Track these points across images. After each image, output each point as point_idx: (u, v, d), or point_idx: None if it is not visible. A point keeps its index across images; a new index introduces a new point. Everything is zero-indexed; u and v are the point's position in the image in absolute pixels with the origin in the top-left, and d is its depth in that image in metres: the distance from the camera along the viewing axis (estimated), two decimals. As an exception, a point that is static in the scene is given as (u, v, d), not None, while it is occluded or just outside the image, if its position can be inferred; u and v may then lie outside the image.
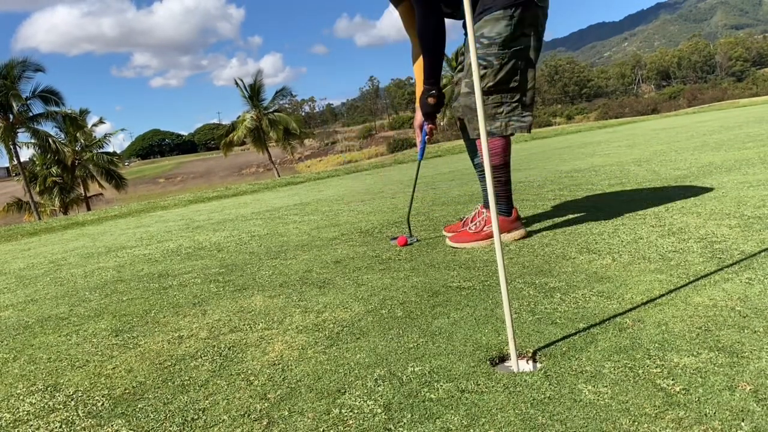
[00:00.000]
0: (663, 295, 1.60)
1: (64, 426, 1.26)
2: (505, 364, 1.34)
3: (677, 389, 1.10)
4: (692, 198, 2.96)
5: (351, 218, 3.89)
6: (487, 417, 1.08)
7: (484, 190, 2.72)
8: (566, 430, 1.01)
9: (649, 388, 1.12)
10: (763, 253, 1.87)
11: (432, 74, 2.47)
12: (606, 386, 1.14)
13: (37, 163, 31.63)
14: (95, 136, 34.35)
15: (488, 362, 1.32)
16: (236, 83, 38.21)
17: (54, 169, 30.98)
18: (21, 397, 1.45)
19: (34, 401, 1.41)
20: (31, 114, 29.18)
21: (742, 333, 1.31)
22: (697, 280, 1.70)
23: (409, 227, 2.91)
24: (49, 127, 30.25)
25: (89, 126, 33.95)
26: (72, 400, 1.39)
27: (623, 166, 4.95)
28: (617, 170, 4.66)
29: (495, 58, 2.36)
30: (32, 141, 29.63)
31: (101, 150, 33.85)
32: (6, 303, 2.60)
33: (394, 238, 2.79)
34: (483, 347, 1.40)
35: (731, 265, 1.80)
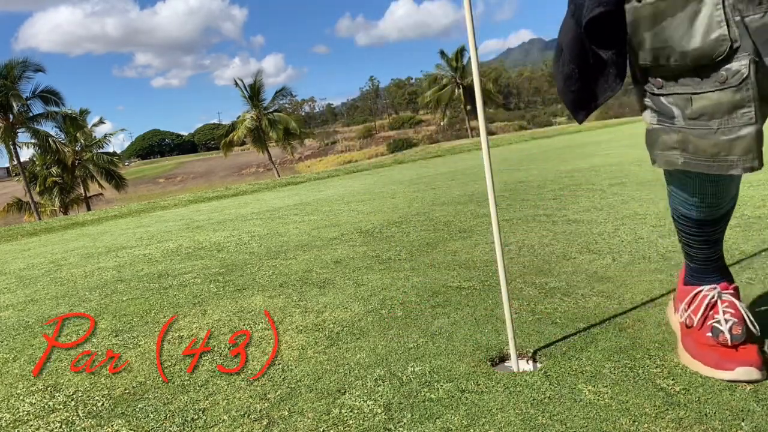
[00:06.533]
0: (663, 295, 1.60)
1: (64, 426, 1.26)
2: (505, 364, 1.34)
3: (677, 389, 1.10)
4: (692, 198, 2.95)
5: (351, 218, 3.89)
6: (487, 417, 1.08)
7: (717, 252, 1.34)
8: (566, 430, 1.01)
9: (649, 388, 1.11)
10: (763, 253, 1.87)
11: None
12: (606, 386, 1.14)
13: (37, 163, 31.61)
14: (95, 136, 34.33)
15: (488, 362, 1.32)
16: (236, 83, 38.17)
17: (54, 169, 30.95)
18: (21, 397, 1.45)
19: (34, 401, 1.41)
20: (31, 114, 29.18)
21: (742, 333, 1.30)
22: (697, 280, 1.69)
23: None
24: (49, 127, 30.25)
25: (89, 126, 33.93)
26: (72, 400, 1.39)
27: (623, 166, 4.95)
28: (617, 170, 4.65)
29: None
30: (32, 141, 29.63)
31: (101, 150, 33.83)
32: (6, 303, 2.60)
33: None
34: (483, 347, 1.40)
35: (731, 265, 1.79)
